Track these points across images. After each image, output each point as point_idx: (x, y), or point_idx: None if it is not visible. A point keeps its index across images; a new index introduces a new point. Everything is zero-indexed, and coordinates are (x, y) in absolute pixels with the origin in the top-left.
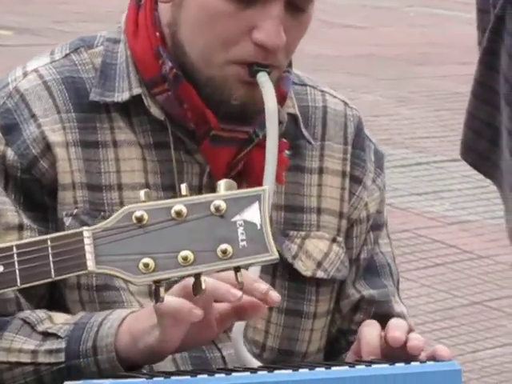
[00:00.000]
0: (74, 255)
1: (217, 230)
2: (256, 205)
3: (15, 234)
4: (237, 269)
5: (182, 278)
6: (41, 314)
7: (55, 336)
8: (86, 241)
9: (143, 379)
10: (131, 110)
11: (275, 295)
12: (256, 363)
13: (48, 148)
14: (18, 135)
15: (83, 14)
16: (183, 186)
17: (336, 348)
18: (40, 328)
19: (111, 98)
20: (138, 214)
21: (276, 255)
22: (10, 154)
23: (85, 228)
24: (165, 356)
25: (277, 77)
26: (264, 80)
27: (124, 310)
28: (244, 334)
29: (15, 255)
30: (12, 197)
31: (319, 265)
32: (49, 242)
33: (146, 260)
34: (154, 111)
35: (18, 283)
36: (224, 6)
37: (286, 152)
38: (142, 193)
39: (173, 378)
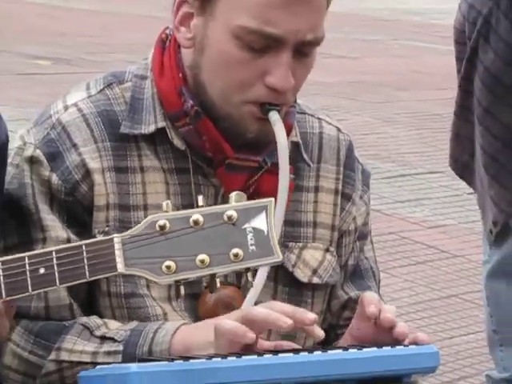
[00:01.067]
0: (106, 259)
1: (229, 236)
2: (263, 214)
3: None
4: (247, 270)
5: (200, 277)
6: (97, 320)
7: (112, 340)
8: (116, 246)
9: (166, 362)
10: (156, 140)
11: (320, 332)
12: None
13: (88, 174)
14: (62, 162)
15: (111, 45)
16: (200, 198)
17: (326, 340)
18: (98, 333)
19: (139, 130)
20: (160, 222)
21: (280, 257)
22: (55, 179)
23: (115, 235)
24: None
25: (284, 112)
26: (275, 118)
27: (177, 322)
28: None
29: (54, 259)
30: (57, 215)
31: (315, 272)
32: (84, 248)
33: (168, 263)
34: (177, 142)
35: (57, 283)
36: (241, 55)
37: (291, 176)
38: (164, 204)
39: (191, 360)
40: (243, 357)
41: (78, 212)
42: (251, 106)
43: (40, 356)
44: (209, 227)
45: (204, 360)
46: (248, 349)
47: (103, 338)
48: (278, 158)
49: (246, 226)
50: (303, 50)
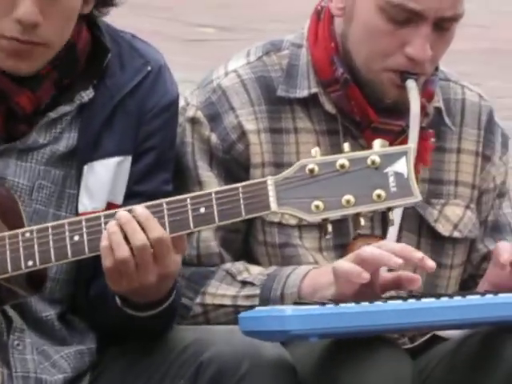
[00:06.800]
0: (260, 199)
1: (372, 179)
2: (403, 159)
3: None
4: (388, 209)
5: (346, 216)
6: (240, 266)
7: (251, 284)
8: (270, 187)
9: (317, 306)
10: (309, 104)
11: (431, 263)
12: None
13: (243, 134)
14: (220, 123)
15: (271, 15)
16: (346, 145)
17: (466, 289)
18: (239, 277)
19: (294, 94)
20: (310, 166)
21: (419, 197)
22: (214, 137)
23: (268, 177)
24: None
25: (423, 81)
26: (411, 86)
27: (307, 267)
28: None
29: (214, 199)
30: (215, 172)
31: (455, 227)
32: (240, 189)
33: (316, 202)
34: (328, 107)
35: (216, 221)
36: (384, 25)
37: (432, 140)
38: (312, 150)
39: (341, 304)
40: (389, 301)
41: (234, 169)
42: (391, 73)
43: (190, 298)
44: (354, 171)
45: (353, 304)
46: (367, 286)
47: (244, 283)
48: (410, 123)
49: (387, 169)
50: (443, 25)
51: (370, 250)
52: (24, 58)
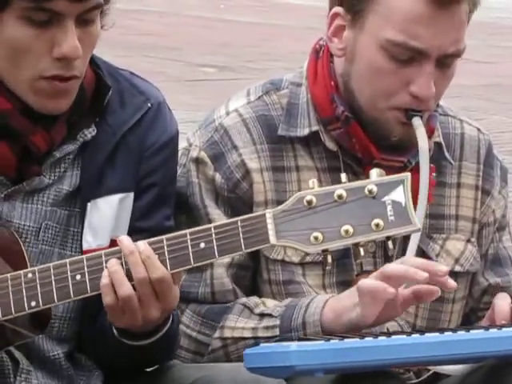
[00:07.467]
0: (259, 232)
1: (370, 208)
2: (401, 187)
3: None
4: (387, 238)
5: (345, 246)
6: (256, 299)
7: (270, 316)
8: (268, 221)
9: (322, 341)
10: (310, 142)
11: (453, 283)
12: None
13: (247, 173)
14: (224, 162)
15: (271, 54)
16: (343, 175)
17: (467, 323)
18: (257, 310)
19: (295, 132)
20: (308, 198)
21: (418, 226)
22: (218, 177)
23: (267, 211)
24: (362, 329)
25: (427, 117)
26: (418, 124)
27: (326, 295)
28: (399, 317)
29: (213, 234)
30: (222, 210)
31: (457, 261)
32: (239, 223)
33: (315, 234)
34: (329, 144)
35: (216, 256)
36: (387, 64)
37: (433, 174)
38: (310, 182)
39: (346, 340)
40: (392, 336)
41: (239, 207)
42: (396, 111)
43: (207, 335)
44: (351, 201)
45: (357, 339)
46: (389, 305)
47: (262, 315)
48: (419, 160)
49: (385, 198)
50: (445, 61)
51: (393, 266)
52: (64, 96)
